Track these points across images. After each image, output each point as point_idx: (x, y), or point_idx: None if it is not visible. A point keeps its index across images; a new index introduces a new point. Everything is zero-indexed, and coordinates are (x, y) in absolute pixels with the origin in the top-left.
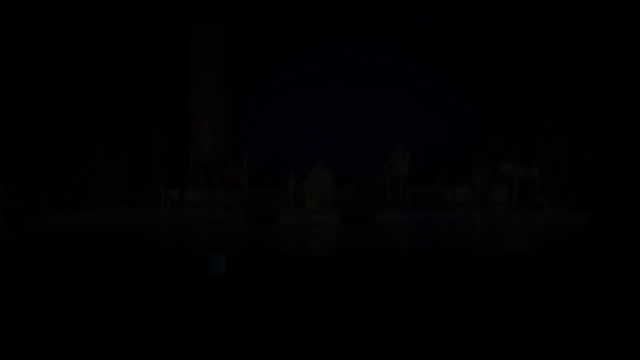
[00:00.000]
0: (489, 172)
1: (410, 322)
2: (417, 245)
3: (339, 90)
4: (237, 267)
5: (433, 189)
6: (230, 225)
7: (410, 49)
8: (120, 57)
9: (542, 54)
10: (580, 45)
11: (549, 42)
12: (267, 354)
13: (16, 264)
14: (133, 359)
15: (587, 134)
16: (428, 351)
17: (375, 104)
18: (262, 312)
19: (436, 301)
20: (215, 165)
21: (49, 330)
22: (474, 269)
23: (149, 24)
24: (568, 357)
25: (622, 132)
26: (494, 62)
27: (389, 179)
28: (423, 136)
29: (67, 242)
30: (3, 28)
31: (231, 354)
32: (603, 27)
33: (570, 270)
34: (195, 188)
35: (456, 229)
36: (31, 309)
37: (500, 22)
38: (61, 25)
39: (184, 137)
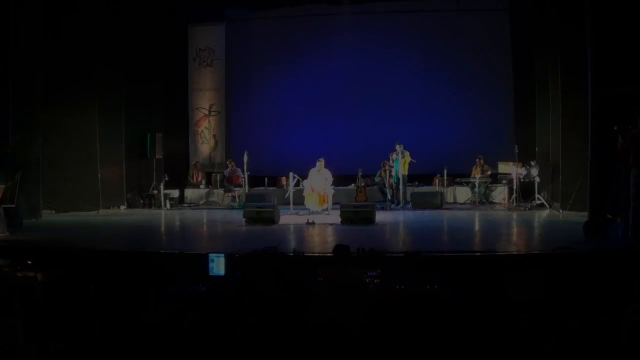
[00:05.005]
0: (489, 172)
1: (410, 322)
2: (417, 245)
3: (339, 90)
4: (237, 267)
5: (433, 189)
6: (230, 225)
7: (411, 49)
8: (120, 57)
9: (543, 51)
10: (580, 42)
11: (550, 37)
12: (267, 354)
13: (16, 264)
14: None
15: (586, 134)
16: (428, 352)
17: (376, 103)
18: (262, 312)
19: (436, 301)
20: (215, 165)
21: (48, 331)
22: (474, 269)
23: (149, 24)
24: (568, 357)
25: (620, 131)
26: (495, 62)
27: (389, 179)
28: (423, 136)
29: (67, 242)
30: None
31: (231, 354)
32: (602, 29)
33: (570, 270)
34: (195, 188)
35: (456, 229)
36: (31, 309)
37: (502, 22)
38: (61, 27)
39: (184, 137)
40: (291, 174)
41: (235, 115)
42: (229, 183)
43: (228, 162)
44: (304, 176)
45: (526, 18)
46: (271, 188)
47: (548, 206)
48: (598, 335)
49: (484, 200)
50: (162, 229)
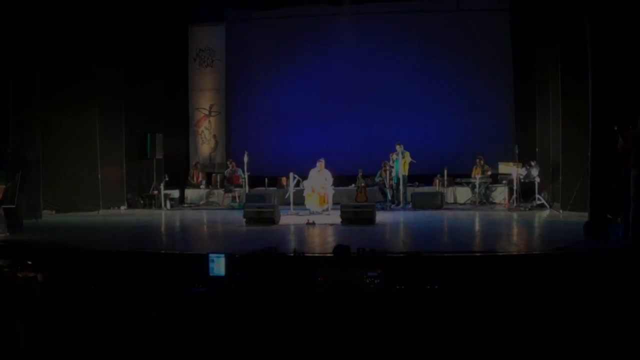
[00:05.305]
0: (489, 173)
1: (410, 322)
2: (417, 245)
3: (339, 90)
4: (237, 267)
5: (433, 189)
6: (230, 225)
7: (411, 49)
8: (120, 57)
9: (543, 51)
10: (580, 43)
11: (550, 37)
12: (267, 354)
13: (16, 264)
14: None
15: (586, 134)
16: (428, 352)
17: (376, 103)
18: (262, 312)
19: (436, 301)
20: (215, 165)
21: (48, 331)
22: (474, 269)
23: (149, 24)
24: (568, 357)
25: (620, 131)
26: (495, 62)
27: (389, 179)
28: (423, 136)
29: (67, 242)
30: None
31: (231, 354)
32: (602, 29)
33: (570, 270)
34: (195, 188)
35: (456, 229)
36: (31, 309)
37: (502, 22)
38: (61, 27)
39: (184, 137)
40: (291, 174)
41: (235, 115)
42: (229, 183)
43: (228, 162)
44: (304, 176)
45: (526, 18)
46: (271, 188)
47: (548, 206)
48: (598, 335)
49: (484, 201)
50: (162, 229)
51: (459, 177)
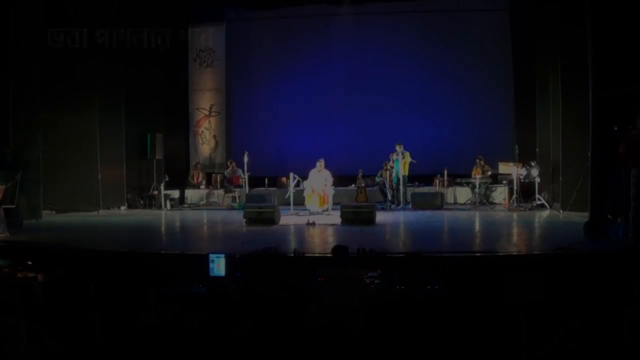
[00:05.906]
0: (489, 173)
1: (410, 322)
2: (417, 245)
3: (339, 90)
4: (237, 268)
5: (433, 189)
6: (230, 226)
7: (411, 49)
8: (120, 57)
9: (543, 51)
10: (580, 42)
11: (550, 37)
12: (267, 354)
13: (16, 264)
14: None
15: (586, 133)
16: (428, 352)
17: (376, 103)
18: (262, 312)
19: (436, 301)
20: (215, 165)
21: (49, 331)
22: (474, 269)
23: (149, 24)
24: (568, 357)
25: (620, 132)
26: (495, 62)
27: (389, 179)
28: (423, 136)
29: (67, 242)
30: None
31: (231, 354)
32: (602, 29)
33: (571, 270)
34: (195, 188)
35: (456, 229)
36: (31, 309)
37: (502, 22)
38: (60, 26)
39: (184, 137)
40: (291, 174)
41: (235, 115)
42: (229, 183)
43: (228, 162)
44: (304, 176)
45: (526, 18)
46: (271, 188)
47: (548, 206)
48: (598, 335)
49: (484, 201)
50: (162, 229)
51: (459, 177)
